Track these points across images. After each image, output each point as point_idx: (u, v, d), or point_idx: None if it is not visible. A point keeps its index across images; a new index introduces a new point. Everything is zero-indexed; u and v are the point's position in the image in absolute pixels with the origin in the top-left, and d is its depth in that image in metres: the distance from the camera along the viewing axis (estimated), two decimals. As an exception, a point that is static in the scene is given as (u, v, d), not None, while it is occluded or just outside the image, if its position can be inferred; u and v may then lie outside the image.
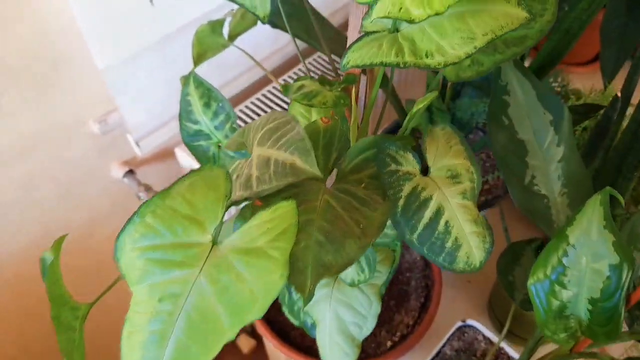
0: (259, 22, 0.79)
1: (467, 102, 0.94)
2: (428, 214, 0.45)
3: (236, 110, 1.15)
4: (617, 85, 1.11)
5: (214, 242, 0.36)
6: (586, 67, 1.38)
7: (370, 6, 0.42)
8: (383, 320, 0.91)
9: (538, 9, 0.47)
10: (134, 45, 0.90)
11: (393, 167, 0.46)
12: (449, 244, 0.45)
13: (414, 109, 0.54)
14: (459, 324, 0.92)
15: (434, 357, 0.91)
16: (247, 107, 1.15)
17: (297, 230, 0.40)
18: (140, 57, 0.93)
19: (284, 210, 0.40)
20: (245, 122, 1.13)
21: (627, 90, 0.65)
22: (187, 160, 1.11)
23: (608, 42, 1.19)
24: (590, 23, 1.06)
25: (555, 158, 0.54)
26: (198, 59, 0.78)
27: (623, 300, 0.49)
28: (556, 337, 0.53)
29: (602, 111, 0.76)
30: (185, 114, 0.61)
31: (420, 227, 0.45)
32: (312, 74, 1.17)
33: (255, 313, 0.37)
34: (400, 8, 0.38)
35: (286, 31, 0.81)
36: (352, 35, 0.54)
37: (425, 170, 0.48)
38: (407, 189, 0.45)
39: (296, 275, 0.39)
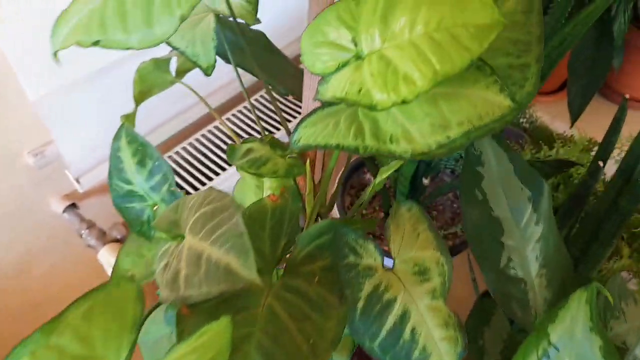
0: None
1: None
2: (392, 319, 0.38)
3: (181, 147, 1.05)
4: (584, 122, 1.08)
5: (119, 385, 0.28)
6: (551, 97, 1.36)
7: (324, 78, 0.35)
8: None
9: (517, 78, 0.41)
10: (67, 77, 0.81)
11: (352, 259, 0.39)
12: (416, 354, 0.38)
13: (377, 179, 0.47)
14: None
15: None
16: (192, 144, 1.06)
17: (232, 350, 0.32)
18: (75, 89, 0.84)
19: (214, 335, 0.32)
20: (190, 162, 1.03)
21: (604, 154, 0.60)
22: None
23: (575, 77, 1.16)
24: (560, 59, 1.02)
25: (534, 237, 0.48)
26: (140, 97, 0.70)
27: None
28: None
29: (573, 168, 0.72)
30: (115, 172, 0.52)
31: (383, 333, 0.38)
32: (258, 112, 1.09)
33: None
34: (360, 89, 0.31)
35: (241, 67, 0.74)
36: (307, 95, 0.47)
37: (389, 256, 0.41)
38: (367, 287, 0.38)
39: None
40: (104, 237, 1.02)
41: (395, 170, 0.80)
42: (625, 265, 0.84)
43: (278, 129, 1.06)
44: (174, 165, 1.03)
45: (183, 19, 0.30)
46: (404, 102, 0.30)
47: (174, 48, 0.47)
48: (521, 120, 1.19)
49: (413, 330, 0.38)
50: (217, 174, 1.00)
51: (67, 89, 0.83)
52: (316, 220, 0.60)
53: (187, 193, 0.98)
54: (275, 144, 0.47)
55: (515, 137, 1.01)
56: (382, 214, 1.00)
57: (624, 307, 0.62)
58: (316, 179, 0.58)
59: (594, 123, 1.16)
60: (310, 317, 0.36)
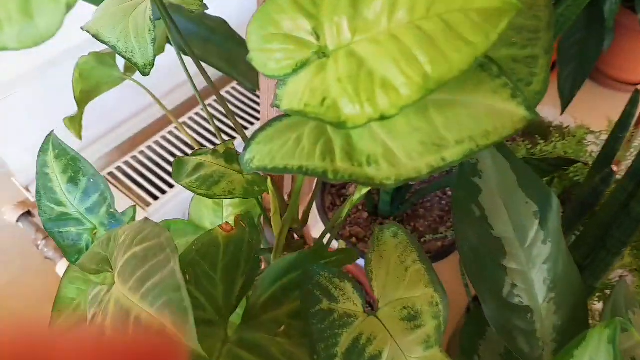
0: (167, 47, 0.62)
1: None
2: (375, 378, 0.31)
3: (138, 151, 0.95)
4: (573, 107, 1.02)
5: None
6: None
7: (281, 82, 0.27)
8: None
9: (523, 74, 0.33)
10: (3, 77, 0.71)
11: (325, 304, 0.32)
12: (406, 420, 0.31)
13: (356, 195, 0.39)
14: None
15: None
16: (151, 147, 0.96)
17: None
18: (12, 90, 0.74)
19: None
20: (149, 168, 0.93)
21: (611, 151, 0.53)
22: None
23: (566, 60, 1.09)
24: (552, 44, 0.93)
25: (540, 258, 0.41)
26: (83, 98, 0.60)
27: None
28: None
29: (572, 168, 0.65)
30: (44, 192, 0.44)
31: (364, 396, 0.31)
32: (216, 115, 1.00)
33: None
34: (324, 99, 0.23)
35: (201, 59, 0.65)
36: (264, 100, 0.38)
37: (371, 300, 0.33)
38: (346, 340, 0.31)
39: None
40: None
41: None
42: (626, 264, 0.78)
43: (246, 128, 0.97)
44: (130, 172, 0.93)
45: (69, 6, 0.21)
46: (382, 117, 0.22)
47: (102, 42, 0.38)
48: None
49: (402, 391, 0.31)
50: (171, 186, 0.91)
51: (3, 91, 0.73)
52: (290, 236, 0.52)
53: (146, 204, 0.89)
54: (231, 157, 0.39)
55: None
56: (365, 214, 0.92)
57: (630, 316, 0.56)
58: (286, 190, 0.50)
59: (584, 107, 1.10)
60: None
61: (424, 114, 0.24)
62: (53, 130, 0.45)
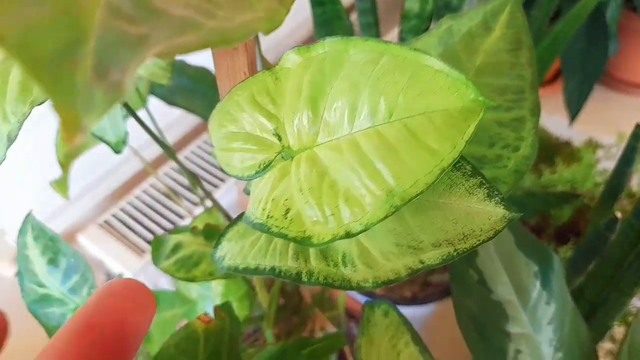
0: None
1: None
2: None
3: (131, 197, 0.93)
4: (584, 114, 0.99)
5: None
6: (546, 89, 1.26)
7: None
8: None
9: (510, 138, 0.31)
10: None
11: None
12: None
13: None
14: None
15: None
16: (145, 190, 0.94)
17: None
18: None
19: None
20: (142, 217, 0.92)
21: (617, 186, 0.51)
22: (93, 249, 0.92)
23: (570, 72, 1.06)
24: (553, 60, 0.92)
25: (545, 319, 0.39)
26: (67, 161, 0.59)
27: None
28: None
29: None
30: (25, 274, 0.43)
31: None
32: (199, 162, 0.98)
33: None
34: (287, 211, 0.21)
35: (186, 109, 0.64)
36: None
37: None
38: None
39: None
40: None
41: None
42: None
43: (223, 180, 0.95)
44: (125, 219, 0.92)
45: (11, 140, 0.20)
46: (348, 235, 0.20)
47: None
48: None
49: None
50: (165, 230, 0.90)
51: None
52: (284, 296, 0.50)
53: (142, 251, 0.87)
54: (211, 234, 0.38)
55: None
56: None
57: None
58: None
59: (594, 114, 1.07)
60: None
61: (397, 216, 0.23)
62: (31, 211, 0.44)
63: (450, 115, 0.20)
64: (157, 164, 1.00)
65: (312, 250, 0.25)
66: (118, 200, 0.95)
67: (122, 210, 0.93)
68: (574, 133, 0.93)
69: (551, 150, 0.78)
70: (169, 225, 0.89)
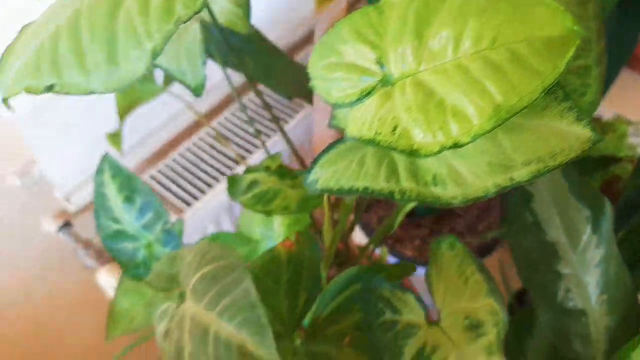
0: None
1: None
2: (440, 386, 0.32)
3: (168, 160, 0.96)
4: (610, 97, 1.00)
5: None
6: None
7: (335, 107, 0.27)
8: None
9: (576, 85, 0.33)
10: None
11: (389, 316, 0.33)
12: None
13: (408, 207, 0.40)
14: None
15: None
16: (181, 154, 0.97)
17: None
18: (53, 105, 0.77)
19: None
20: (181, 175, 0.95)
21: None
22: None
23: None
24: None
25: (593, 262, 0.41)
26: (124, 112, 0.62)
27: None
28: None
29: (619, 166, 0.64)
30: (102, 210, 0.46)
31: (430, 403, 0.32)
32: (250, 113, 1.00)
33: None
34: (395, 128, 0.24)
35: (239, 71, 0.66)
36: (318, 120, 0.39)
37: (431, 309, 0.34)
38: (411, 350, 0.32)
39: None
40: (101, 257, 0.96)
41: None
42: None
43: (274, 130, 0.98)
44: (162, 180, 0.95)
45: (156, 54, 0.22)
46: (455, 146, 0.22)
47: (156, 66, 0.40)
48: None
49: (467, 399, 0.32)
50: (210, 185, 0.93)
51: (45, 106, 0.76)
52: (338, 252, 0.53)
53: (180, 211, 0.91)
54: (283, 173, 0.40)
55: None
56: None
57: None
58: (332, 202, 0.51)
59: (621, 98, 1.08)
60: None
61: (492, 138, 0.25)
62: (107, 153, 0.47)
63: (550, 41, 0.22)
64: (191, 132, 1.03)
65: (402, 172, 0.28)
66: (155, 162, 0.98)
67: (160, 172, 0.96)
68: (600, 113, 0.94)
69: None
70: (205, 189, 0.92)
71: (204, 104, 1.01)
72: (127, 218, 0.45)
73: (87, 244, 0.97)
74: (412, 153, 0.23)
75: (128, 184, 0.45)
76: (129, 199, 0.45)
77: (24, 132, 0.78)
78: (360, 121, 0.26)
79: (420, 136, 0.23)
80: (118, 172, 0.45)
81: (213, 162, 0.96)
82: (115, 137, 0.64)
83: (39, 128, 0.78)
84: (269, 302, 0.34)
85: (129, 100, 0.61)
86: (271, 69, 0.64)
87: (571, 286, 0.41)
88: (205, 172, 0.94)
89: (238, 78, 1.03)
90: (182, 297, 0.34)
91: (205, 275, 0.32)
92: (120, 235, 0.47)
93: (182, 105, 0.94)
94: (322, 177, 0.30)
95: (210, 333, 0.29)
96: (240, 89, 1.05)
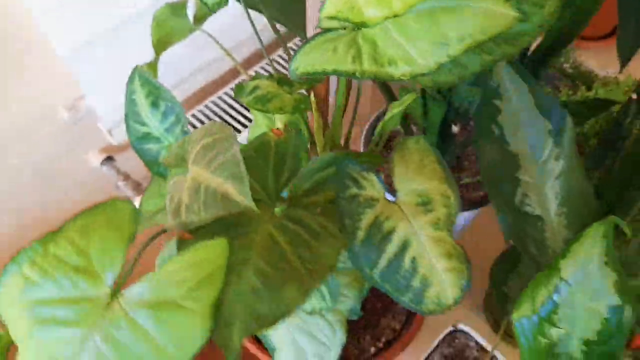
0: (230, 1, 0.70)
1: (465, 90, 0.85)
2: (392, 248, 0.38)
3: (201, 106, 1.04)
4: (635, 68, 1.01)
5: (114, 295, 0.30)
6: (601, 42, 1.25)
7: (321, -1, 0.34)
8: (368, 324, 0.85)
9: (534, -3, 0.38)
10: (94, 30, 0.82)
11: (354, 190, 0.39)
12: (415, 283, 0.38)
13: (388, 116, 0.46)
14: (450, 329, 0.87)
15: (421, 365, 0.85)
16: (214, 101, 1.05)
17: (228, 272, 0.33)
18: (102, 42, 0.86)
19: (210, 251, 0.33)
20: (212, 119, 1.03)
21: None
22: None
23: (626, 17, 1.07)
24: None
25: (553, 173, 0.46)
26: (159, 46, 0.70)
27: (622, 345, 0.42)
28: (544, 377, 0.46)
29: (615, 109, 0.67)
30: (131, 115, 0.54)
31: (383, 263, 0.38)
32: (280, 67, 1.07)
33: (172, 375, 0.30)
34: (353, 7, 0.30)
35: (260, 12, 0.73)
36: (309, 28, 0.46)
37: (393, 194, 0.40)
38: (368, 218, 0.38)
39: (221, 329, 0.33)
40: (139, 188, 1.06)
41: (424, 119, 0.77)
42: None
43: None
44: (196, 124, 1.04)
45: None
46: (395, 15, 0.28)
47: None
48: (564, 65, 1.12)
49: (413, 259, 0.38)
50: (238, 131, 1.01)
51: (94, 42, 0.85)
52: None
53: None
54: (282, 81, 0.47)
55: (550, 79, 0.96)
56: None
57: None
58: (330, 119, 0.57)
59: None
60: (309, 244, 0.36)
61: (432, 18, 0.31)
62: (137, 65, 0.55)
63: (487, 11, 0.27)
64: (224, 81, 1.11)
65: (365, 57, 0.33)
66: (191, 107, 1.07)
67: (194, 117, 1.05)
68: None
69: (592, 80, 0.82)
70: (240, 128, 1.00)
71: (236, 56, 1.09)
72: (153, 121, 0.53)
73: (126, 177, 1.08)
74: (362, 24, 0.30)
75: (154, 91, 0.52)
76: (154, 104, 0.53)
77: (73, 68, 0.88)
78: (331, 6, 0.32)
79: (369, 11, 0.29)
80: (146, 81, 0.53)
81: (243, 110, 1.04)
82: (151, 66, 0.71)
83: (88, 64, 0.88)
84: (258, 176, 0.41)
85: (164, 34, 0.69)
86: (289, 10, 0.70)
87: (529, 192, 0.46)
88: (236, 120, 1.02)
89: (268, 35, 1.10)
90: (186, 171, 0.41)
91: (205, 145, 0.39)
92: (147, 137, 0.54)
93: (216, 54, 1.02)
94: (302, 64, 0.36)
95: (202, 186, 0.36)
96: (270, 47, 1.12)
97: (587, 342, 0.43)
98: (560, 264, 0.41)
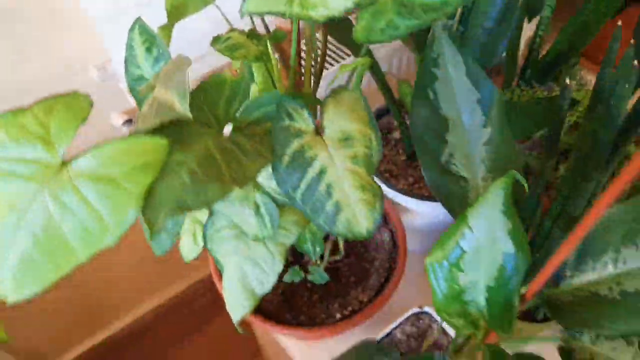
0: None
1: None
2: (311, 174, 0.44)
3: None
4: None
5: (63, 164, 0.37)
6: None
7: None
8: (339, 294, 0.91)
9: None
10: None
11: (287, 122, 0.45)
12: (329, 207, 0.44)
13: (339, 72, 0.52)
14: (415, 309, 0.91)
15: (384, 337, 0.90)
16: None
17: (166, 169, 0.40)
18: (132, 9, 0.95)
19: (152, 144, 0.40)
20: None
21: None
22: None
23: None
24: (610, 16, 0.99)
25: (481, 140, 0.51)
26: (172, 13, 0.79)
27: (517, 291, 0.46)
28: (454, 321, 0.51)
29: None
30: (130, 59, 0.62)
31: (303, 186, 0.44)
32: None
33: (107, 242, 0.37)
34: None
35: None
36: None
37: (321, 131, 0.47)
38: (294, 146, 0.44)
39: (150, 210, 0.39)
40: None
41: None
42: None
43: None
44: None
45: None
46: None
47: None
48: (570, 82, 1.14)
49: (328, 186, 0.44)
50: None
51: (125, 10, 0.95)
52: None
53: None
54: (251, 35, 0.54)
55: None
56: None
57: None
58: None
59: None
60: (239, 160, 0.43)
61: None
62: (139, 17, 0.63)
63: None
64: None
65: (295, 2, 0.40)
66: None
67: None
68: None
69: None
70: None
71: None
72: (146, 65, 0.61)
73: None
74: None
75: (150, 39, 0.61)
76: (149, 50, 0.61)
77: (104, 32, 0.98)
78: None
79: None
80: (144, 29, 0.61)
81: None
82: (165, 29, 0.80)
83: (117, 30, 0.97)
84: (210, 105, 0.48)
85: (176, 3, 0.77)
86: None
87: (455, 154, 0.51)
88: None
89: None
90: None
91: (165, 72, 0.46)
92: (140, 79, 0.63)
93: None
94: (250, 6, 0.43)
95: (157, 99, 0.44)
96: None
97: (489, 289, 0.47)
98: (468, 213, 0.46)
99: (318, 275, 0.86)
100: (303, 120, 0.45)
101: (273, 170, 0.44)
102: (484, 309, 0.49)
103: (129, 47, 0.62)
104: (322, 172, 0.44)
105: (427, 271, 0.49)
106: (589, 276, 0.49)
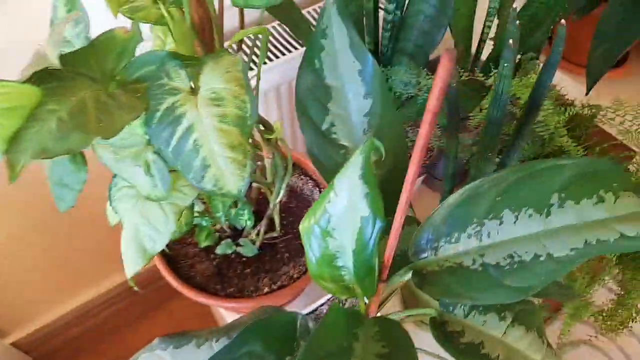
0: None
1: (402, 72, 0.92)
2: (180, 130, 0.46)
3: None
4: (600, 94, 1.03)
5: None
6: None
7: None
8: (270, 269, 0.93)
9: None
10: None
11: (165, 81, 0.48)
12: (196, 163, 0.46)
13: (234, 38, 0.54)
14: (346, 288, 0.93)
15: (310, 313, 0.92)
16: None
17: (35, 116, 0.43)
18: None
19: (23, 91, 0.42)
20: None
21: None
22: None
23: (601, 39, 1.09)
24: (562, 12, 1.00)
25: (362, 111, 0.53)
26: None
27: (375, 254, 0.48)
28: (329, 287, 0.53)
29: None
30: (55, 20, 0.65)
31: (174, 142, 0.47)
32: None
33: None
34: None
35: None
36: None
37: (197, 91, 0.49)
38: (167, 102, 0.47)
39: (14, 153, 0.42)
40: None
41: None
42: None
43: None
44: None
45: None
46: None
47: None
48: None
49: (195, 142, 0.46)
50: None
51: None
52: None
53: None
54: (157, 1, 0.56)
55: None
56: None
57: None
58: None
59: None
60: (111, 112, 0.45)
61: None
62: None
63: None
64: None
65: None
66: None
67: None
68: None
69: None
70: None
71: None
72: (68, 27, 0.64)
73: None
74: None
75: (71, 3, 0.63)
76: (69, 12, 0.63)
77: None
78: None
79: None
80: (68, -8, 0.64)
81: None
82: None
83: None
84: (100, 63, 0.50)
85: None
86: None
87: (337, 122, 0.53)
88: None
89: None
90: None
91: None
92: (65, 43, 0.65)
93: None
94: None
95: (38, 52, 0.46)
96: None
97: (354, 252, 0.50)
98: (335, 178, 0.48)
99: (248, 248, 0.89)
100: (181, 80, 0.48)
101: (145, 125, 0.47)
102: (352, 273, 0.51)
103: (54, 8, 0.65)
104: (190, 129, 0.46)
105: (303, 238, 0.51)
106: (457, 248, 0.51)
